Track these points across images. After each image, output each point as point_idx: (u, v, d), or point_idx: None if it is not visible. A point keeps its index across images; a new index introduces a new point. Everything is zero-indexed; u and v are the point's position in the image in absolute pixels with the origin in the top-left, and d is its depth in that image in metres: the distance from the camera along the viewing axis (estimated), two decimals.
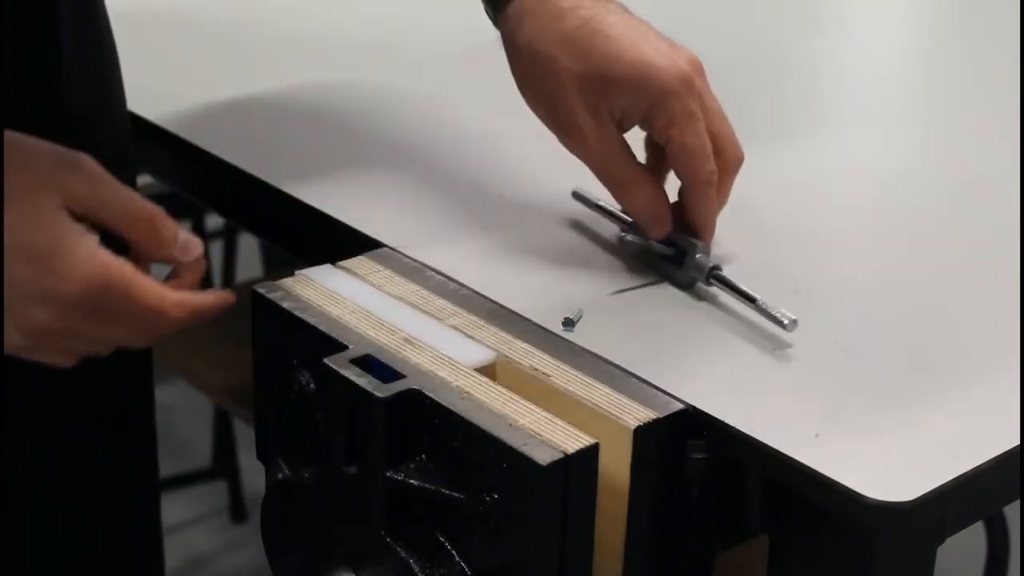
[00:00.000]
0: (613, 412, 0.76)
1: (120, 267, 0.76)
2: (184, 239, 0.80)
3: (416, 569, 0.76)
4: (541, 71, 0.90)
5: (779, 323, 0.84)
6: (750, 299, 0.86)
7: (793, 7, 1.49)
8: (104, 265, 0.76)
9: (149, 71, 1.18)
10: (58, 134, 0.78)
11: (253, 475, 2.24)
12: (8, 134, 0.76)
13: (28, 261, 0.74)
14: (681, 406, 0.77)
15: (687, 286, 0.90)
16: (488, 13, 0.94)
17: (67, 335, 0.77)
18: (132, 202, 0.78)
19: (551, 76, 0.89)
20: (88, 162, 0.77)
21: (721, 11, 1.45)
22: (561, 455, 0.72)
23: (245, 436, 2.18)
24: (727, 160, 0.92)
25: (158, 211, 0.79)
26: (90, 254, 0.75)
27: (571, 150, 0.91)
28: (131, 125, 1.05)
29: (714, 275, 0.88)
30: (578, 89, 0.88)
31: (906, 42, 1.47)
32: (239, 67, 1.23)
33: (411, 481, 0.76)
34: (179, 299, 0.79)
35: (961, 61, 1.39)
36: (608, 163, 0.90)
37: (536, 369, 0.80)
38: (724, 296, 0.89)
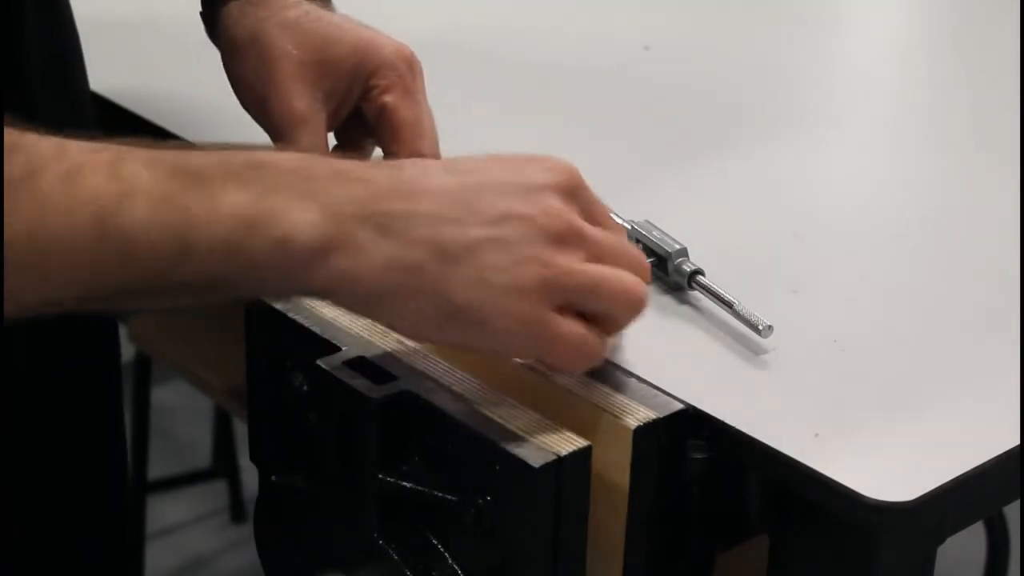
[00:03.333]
0: (613, 412, 0.75)
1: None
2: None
3: (408, 571, 0.76)
4: (258, 56, 0.86)
5: (755, 328, 0.83)
6: (727, 304, 0.85)
7: (794, 7, 1.49)
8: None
9: (137, 71, 1.19)
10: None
11: (253, 475, 2.23)
12: None
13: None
14: (681, 406, 0.77)
15: (679, 289, 0.90)
16: (205, 17, 0.91)
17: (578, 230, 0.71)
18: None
19: (268, 60, 0.85)
20: None
21: (721, 12, 1.44)
22: (554, 457, 0.71)
23: (245, 436, 2.17)
24: None
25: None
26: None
27: (269, 128, 0.87)
28: (133, 129, 1.05)
29: (695, 280, 0.88)
30: (295, 72, 0.85)
31: (907, 41, 1.47)
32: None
33: (404, 483, 0.75)
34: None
35: (962, 60, 1.38)
36: (312, 148, 0.85)
37: (536, 369, 0.79)
38: None
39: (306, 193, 0.66)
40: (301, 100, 0.85)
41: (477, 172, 0.70)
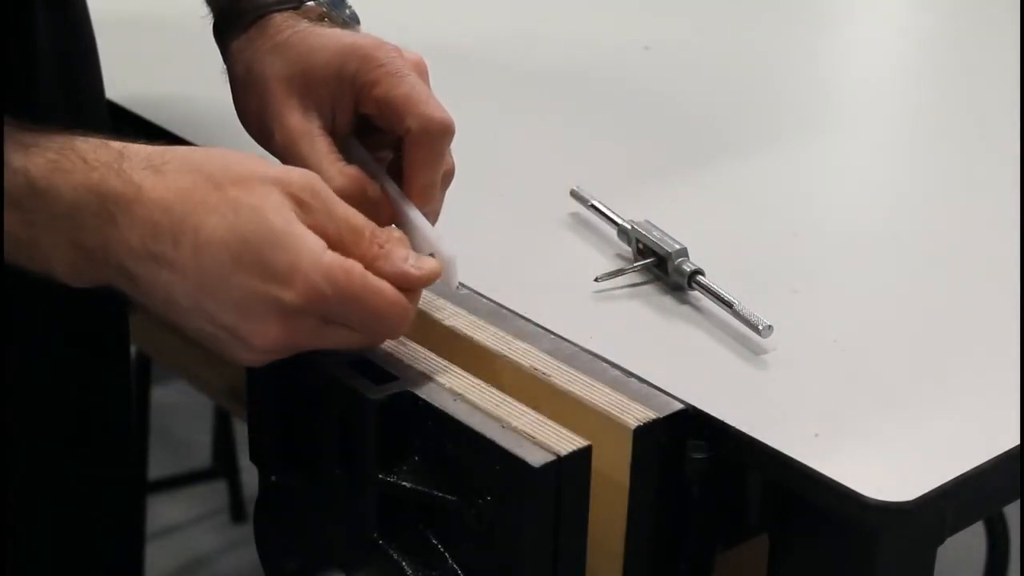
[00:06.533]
0: (613, 412, 0.75)
1: (348, 269, 0.73)
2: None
3: (409, 571, 0.76)
4: (254, 85, 0.87)
5: (755, 328, 0.83)
6: (727, 304, 0.85)
7: (793, 8, 1.49)
8: (329, 267, 0.72)
9: (138, 69, 1.19)
10: (33, 124, 0.76)
11: (253, 475, 2.22)
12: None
13: (250, 267, 0.72)
14: (681, 406, 0.77)
15: (679, 289, 0.90)
16: (223, 55, 0.92)
17: (296, 345, 0.74)
18: (354, 213, 0.76)
19: (262, 86, 0.86)
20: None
21: (721, 12, 1.44)
22: (554, 457, 0.71)
23: (245, 436, 2.17)
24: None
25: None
26: (315, 257, 0.72)
27: (278, 154, 0.87)
28: (139, 127, 1.05)
29: (695, 280, 0.88)
30: (285, 90, 0.85)
31: (906, 41, 1.47)
32: None
33: (404, 483, 0.75)
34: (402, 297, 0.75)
35: (961, 59, 1.38)
36: (315, 160, 0.85)
37: (536, 369, 0.79)
38: None
39: (68, 235, 0.73)
40: (294, 115, 0.85)
41: (218, 265, 0.72)
